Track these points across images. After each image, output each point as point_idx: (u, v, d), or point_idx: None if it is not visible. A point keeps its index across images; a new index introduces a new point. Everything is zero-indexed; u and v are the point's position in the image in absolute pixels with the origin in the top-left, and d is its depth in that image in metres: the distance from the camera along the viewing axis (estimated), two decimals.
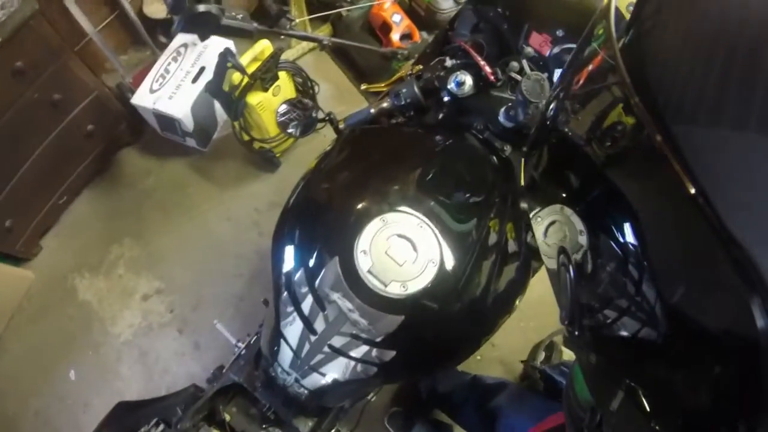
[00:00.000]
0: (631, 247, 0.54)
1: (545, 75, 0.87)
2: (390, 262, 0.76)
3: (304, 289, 0.82)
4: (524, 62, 0.96)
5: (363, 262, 0.75)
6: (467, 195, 0.90)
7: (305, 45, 2.32)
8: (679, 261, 0.50)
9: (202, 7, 1.42)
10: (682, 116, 0.46)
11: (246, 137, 1.98)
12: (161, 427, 1.03)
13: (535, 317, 1.94)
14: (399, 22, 2.12)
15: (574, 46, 0.94)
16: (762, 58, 0.41)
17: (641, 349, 0.54)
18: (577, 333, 0.61)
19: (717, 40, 0.45)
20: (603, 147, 0.57)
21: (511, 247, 0.90)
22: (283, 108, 1.87)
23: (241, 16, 1.54)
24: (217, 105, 2.09)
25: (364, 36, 2.23)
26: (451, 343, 0.90)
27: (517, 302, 0.94)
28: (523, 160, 0.92)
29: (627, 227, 0.55)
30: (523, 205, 0.92)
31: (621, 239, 0.56)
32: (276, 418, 1.06)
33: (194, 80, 1.95)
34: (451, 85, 0.96)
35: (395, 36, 2.11)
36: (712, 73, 0.44)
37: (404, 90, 1.00)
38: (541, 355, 1.82)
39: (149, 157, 2.21)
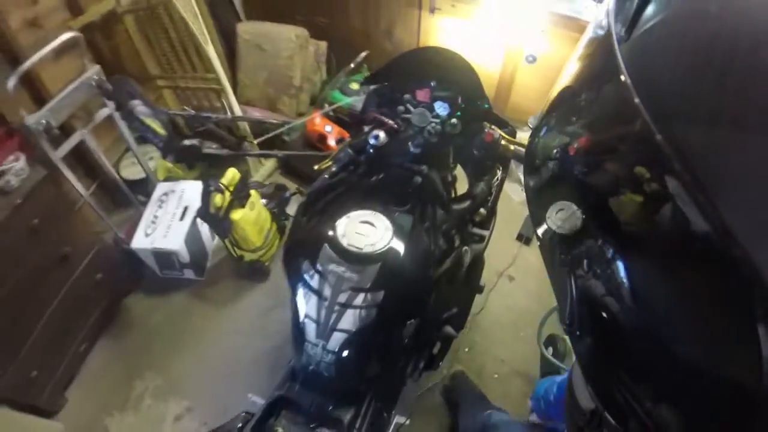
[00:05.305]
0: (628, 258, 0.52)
1: (424, 109, 1.36)
2: (360, 235, 1.17)
3: (311, 271, 1.18)
4: (407, 104, 1.40)
5: (343, 240, 1.16)
6: (402, 204, 1.34)
7: (264, 173, 2.80)
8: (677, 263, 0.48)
9: (187, 142, 1.90)
10: (682, 116, 0.46)
11: (239, 252, 2.30)
12: None
13: (529, 325, 2.21)
14: (331, 131, 2.67)
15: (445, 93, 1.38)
16: (762, 58, 0.42)
17: (640, 354, 0.54)
18: (578, 333, 0.60)
19: (717, 40, 0.46)
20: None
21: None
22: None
23: (215, 146, 2.01)
24: (205, 237, 2.43)
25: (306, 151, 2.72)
26: (420, 283, 1.26)
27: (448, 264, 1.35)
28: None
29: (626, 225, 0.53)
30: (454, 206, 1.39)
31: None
32: (319, 413, 1.22)
33: (181, 218, 2.31)
34: (371, 141, 1.34)
35: (331, 142, 2.64)
36: (711, 73, 0.45)
37: (342, 154, 1.39)
38: (549, 351, 1.98)
39: (153, 297, 2.45)
